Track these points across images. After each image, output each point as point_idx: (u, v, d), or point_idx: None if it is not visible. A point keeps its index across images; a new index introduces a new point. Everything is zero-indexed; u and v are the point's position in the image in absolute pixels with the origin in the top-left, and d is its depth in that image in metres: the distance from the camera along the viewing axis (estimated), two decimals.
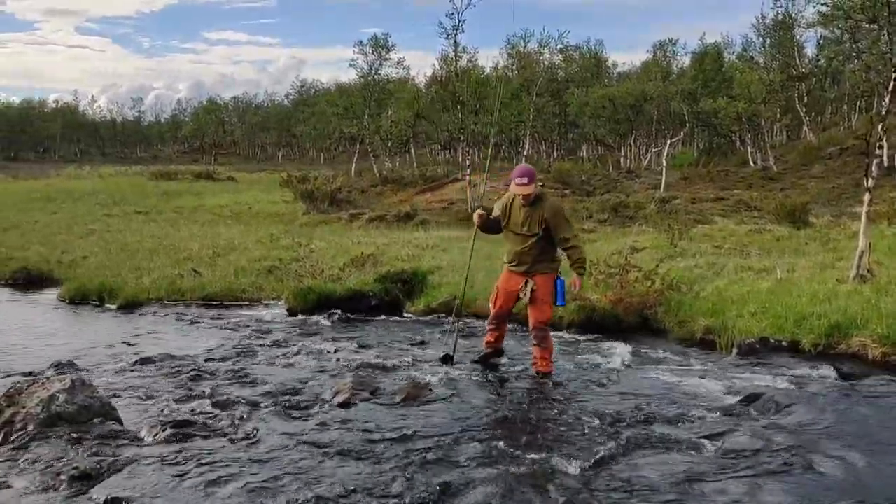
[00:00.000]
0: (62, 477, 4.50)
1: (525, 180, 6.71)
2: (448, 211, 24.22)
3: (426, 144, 60.81)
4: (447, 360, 7.24)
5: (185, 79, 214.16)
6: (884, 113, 11.57)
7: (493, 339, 7.36)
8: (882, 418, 5.69)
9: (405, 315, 10.51)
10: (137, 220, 23.02)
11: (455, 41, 40.37)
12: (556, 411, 5.86)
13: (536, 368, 6.98)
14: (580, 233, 10.19)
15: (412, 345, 8.50)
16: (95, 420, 5.33)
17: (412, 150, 54.96)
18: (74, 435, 5.09)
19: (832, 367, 6.99)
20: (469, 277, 8.16)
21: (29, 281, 13.42)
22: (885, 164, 28.20)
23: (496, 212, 7.04)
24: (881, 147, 10.87)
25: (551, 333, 7.26)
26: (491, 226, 7.08)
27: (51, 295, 12.32)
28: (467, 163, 28.54)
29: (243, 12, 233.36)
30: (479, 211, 7.13)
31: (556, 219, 6.78)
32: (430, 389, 6.40)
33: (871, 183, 10.34)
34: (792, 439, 5.18)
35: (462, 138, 35.86)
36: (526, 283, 6.86)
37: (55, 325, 10.23)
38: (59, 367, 7.17)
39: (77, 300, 11.70)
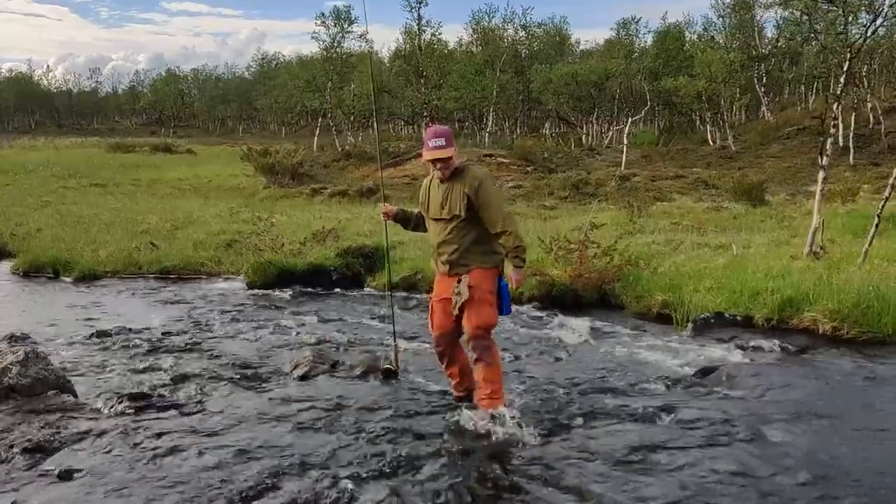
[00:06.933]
0: (15, 449, 4.44)
1: (441, 141, 5.02)
2: (411, 186, 24.15)
3: (389, 119, 60.48)
4: (389, 374, 6.07)
5: (144, 50, 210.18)
6: (839, 94, 11.78)
7: (458, 378, 5.43)
8: (830, 390, 5.85)
9: (366, 289, 10.50)
10: (94, 193, 22.64)
11: (419, 15, 40.00)
12: (514, 384, 5.91)
13: (479, 400, 5.15)
14: (514, 213, 7.54)
15: (372, 319, 8.51)
16: (50, 392, 5.27)
17: (375, 125, 54.59)
18: (28, 407, 5.03)
19: (784, 341, 7.14)
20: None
21: None
22: (840, 144, 28.81)
23: (419, 201, 5.47)
24: (836, 127, 11.08)
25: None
26: (415, 222, 5.53)
27: (4, 267, 12.08)
28: None
29: None
30: (383, 205, 5.55)
31: (482, 194, 5.02)
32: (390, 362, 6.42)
33: (825, 162, 10.54)
34: (744, 411, 5.30)
35: (425, 113, 35.69)
36: (459, 282, 5.13)
37: (8, 297, 10.05)
38: (13, 339, 7.06)
39: (31, 273, 11.50)
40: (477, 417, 5.01)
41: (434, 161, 5.08)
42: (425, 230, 5.45)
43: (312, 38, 45.22)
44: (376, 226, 14.31)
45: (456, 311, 5.13)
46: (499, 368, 5.18)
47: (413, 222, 5.51)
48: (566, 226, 12.42)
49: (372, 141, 48.79)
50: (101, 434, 4.73)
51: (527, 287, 9.20)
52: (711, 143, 40.86)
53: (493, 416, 4.97)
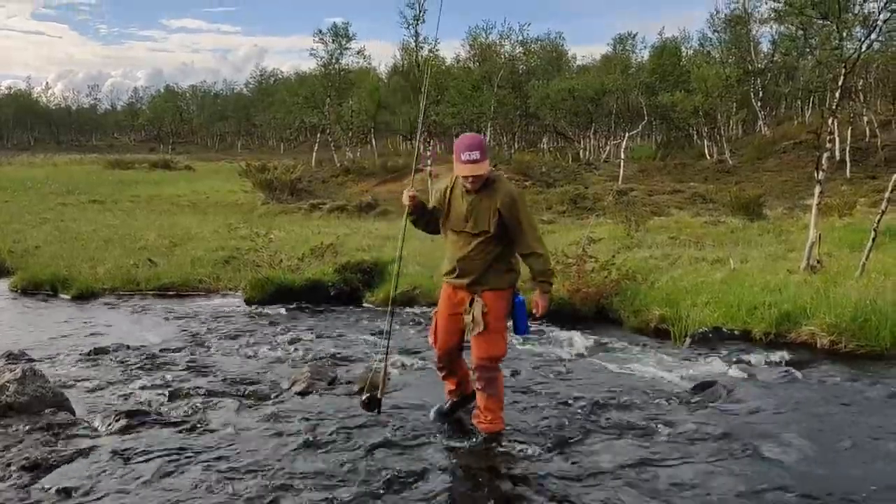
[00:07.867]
0: (12, 467, 4.43)
1: (476, 155, 4.64)
2: None
3: (387, 135, 60.71)
4: (373, 403, 5.16)
5: (143, 66, 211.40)
6: (834, 108, 11.85)
7: (454, 387, 5.35)
8: (828, 405, 5.84)
9: (365, 305, 10.49)
10: (92, 210, 22.66)
11: (416, 31, 40.15)
12: (512, 399, 5.90)
13: (478, 423, 5.10)
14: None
15: (371, 335, 8.49)
16: (47, 410, 5.26)
17: (373, 141, 54.83)
18: (25, 425, 5.02)
19: (782, 356, 7.14)
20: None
21: None
22: (837, 157, 28.91)
23: (434, 200, 5.08)
24: (832, 141, 11.12)
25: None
26: (428, 218, 5.06)
27: (2, 285, 12.07)
28: (428, 153, 28.52)
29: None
30: (408, 191, 4.93)
31: (516, 213, 4.76)
32: (388, 379, 6.40)
33: (821, 176, 10.57)
34: (742, 426, 5.30)
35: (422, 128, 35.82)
36: (471, 304, 4.90)
37: (6, 315, 10.03)
38: (11, 357, 7.04)
39: (29, 290, 11.48)
40: (475, 436, 5.03)
41: (466, 176, 4.75)
42: (434, 231, 5.14)
43: (311, 54, 45.48)
44: (375, 241, 14.33)
45: (468, 336, 4.97)
46: (501, 400, 5.12)
47: (426, 218, 5.06)
48: (564, 240, 12.44)
49: (369, 156, 48.90)
50: (99, 452, 4.72)
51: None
52: (709, 158, 41.00)
53: (491, 437, 5.01)
